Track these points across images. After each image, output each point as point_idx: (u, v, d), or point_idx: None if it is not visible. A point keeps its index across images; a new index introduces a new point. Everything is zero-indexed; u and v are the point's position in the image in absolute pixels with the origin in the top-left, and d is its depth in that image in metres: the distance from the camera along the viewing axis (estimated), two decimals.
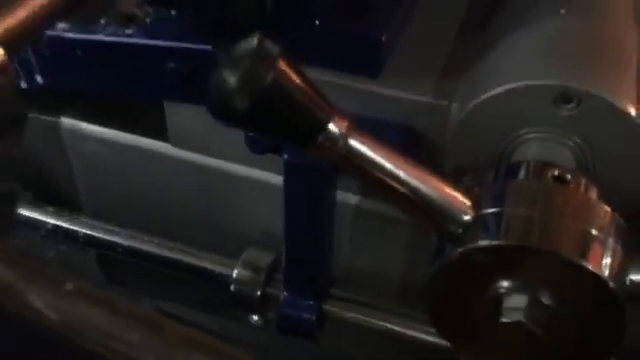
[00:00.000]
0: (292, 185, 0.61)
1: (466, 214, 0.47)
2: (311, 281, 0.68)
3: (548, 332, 0.45)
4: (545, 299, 0.45)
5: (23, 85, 0.64)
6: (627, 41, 0.59)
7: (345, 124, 0.45)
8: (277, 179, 0.65)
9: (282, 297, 0.69)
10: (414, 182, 0.47)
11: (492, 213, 0.46)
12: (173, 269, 0.73)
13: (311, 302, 0.69)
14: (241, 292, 0.70)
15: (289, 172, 0.60)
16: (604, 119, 0.53)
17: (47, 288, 0.32)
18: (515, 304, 0.45)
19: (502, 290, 0.46)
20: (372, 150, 0.46)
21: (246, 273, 0.70)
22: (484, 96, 0.54)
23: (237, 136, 0.64)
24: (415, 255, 0.68)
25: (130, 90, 0.66)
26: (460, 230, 0.46)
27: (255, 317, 0.75)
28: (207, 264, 0.71)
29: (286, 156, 0.59)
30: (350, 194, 0.67)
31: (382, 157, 0.46)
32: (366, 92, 0.60)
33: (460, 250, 0.46)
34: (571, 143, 0.55)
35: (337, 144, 0.45)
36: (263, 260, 0.70)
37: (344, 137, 0.45)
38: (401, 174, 0.46)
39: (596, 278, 0.44)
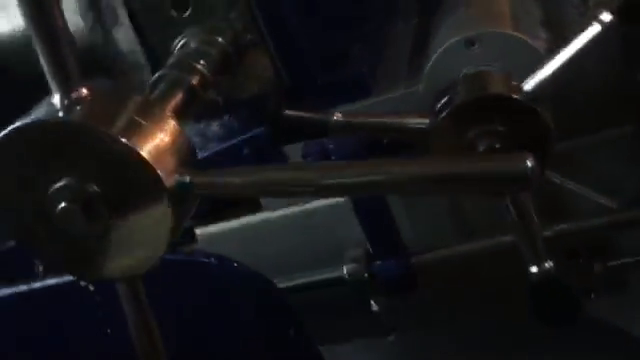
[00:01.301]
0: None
1: (426, 117, 0.81)
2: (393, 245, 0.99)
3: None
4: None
5: None
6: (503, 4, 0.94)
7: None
8: None
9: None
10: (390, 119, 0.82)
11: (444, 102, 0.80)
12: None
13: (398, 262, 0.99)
14: (354, 278, 1.00)
15: None
16: (501, 45, 0.87)
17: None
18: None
19: None
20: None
21: (352, 265, 1.00)
22: (430, 62, 0.88)
23: None
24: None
25: None
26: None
27: (373, 305, 1.04)
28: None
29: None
30: None
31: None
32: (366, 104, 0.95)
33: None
34: (491, 67, 0.88)
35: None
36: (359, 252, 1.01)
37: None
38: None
39: None
